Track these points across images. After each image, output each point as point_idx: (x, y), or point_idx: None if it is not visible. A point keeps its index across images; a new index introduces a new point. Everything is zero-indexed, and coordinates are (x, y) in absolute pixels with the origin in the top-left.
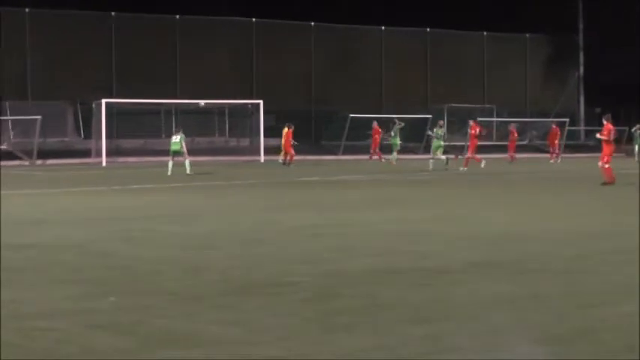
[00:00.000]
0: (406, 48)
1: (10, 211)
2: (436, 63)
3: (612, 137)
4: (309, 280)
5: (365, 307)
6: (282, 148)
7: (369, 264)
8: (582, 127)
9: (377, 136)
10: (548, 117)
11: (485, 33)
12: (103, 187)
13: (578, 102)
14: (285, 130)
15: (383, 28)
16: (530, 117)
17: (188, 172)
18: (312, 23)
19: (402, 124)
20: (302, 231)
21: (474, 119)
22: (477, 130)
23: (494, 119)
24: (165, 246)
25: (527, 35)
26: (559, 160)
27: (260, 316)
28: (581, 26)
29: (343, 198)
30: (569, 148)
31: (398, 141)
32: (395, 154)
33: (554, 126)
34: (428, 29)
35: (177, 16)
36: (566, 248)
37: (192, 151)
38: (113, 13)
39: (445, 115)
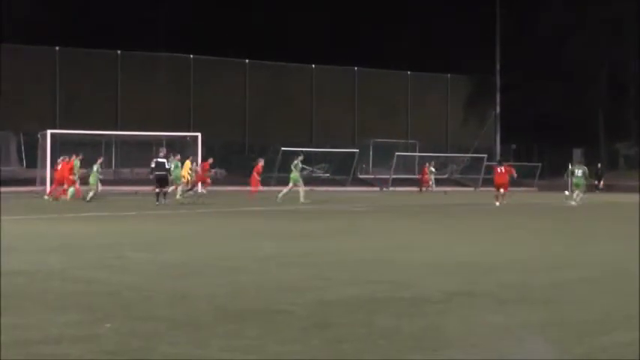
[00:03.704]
0: (335, 85)
1: None
2: (363, 100)
3: None
4: (299, 309)
5: (366, 335)
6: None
7: (350, 293)
8: (497, 163)
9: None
10: (468, 153)
11: (409, 72)
12: (54, 214)
13: (495, 139)
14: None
15: (313, 66)
16: (450, 152)
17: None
18: (247, 60)
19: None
20: (273, 260)
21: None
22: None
23: (417, 154)
24: (143, 273)
25: (449, 75)
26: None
27: (267, 342)
28: (498, 68)
29: (298, 227)
30: (487, 182)
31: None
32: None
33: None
34: (356, 68)
35: (119, 52)
36: (536, 278)
37: (132, 181)
38: (58, 48)
39: (370, 149)
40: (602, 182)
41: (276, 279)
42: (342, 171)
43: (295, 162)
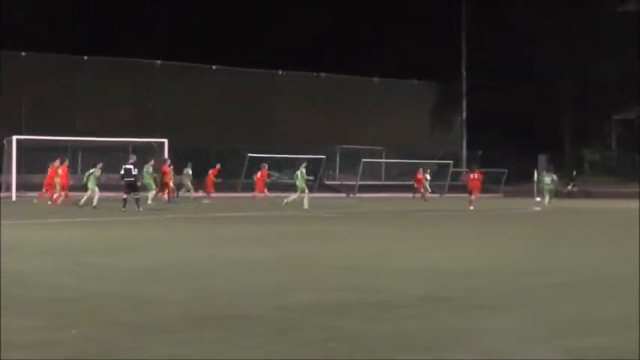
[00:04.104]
0: (302, 91)
1: None
2: (329, 106)
3: None
4: (264, 314)
5: (331, 340)
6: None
7: (319, 298)
8: (464, 169)
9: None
10: (434, 159)
11: (375, 78)
12: (21, 220)
13: (461, 145)
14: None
15: (280, 72)
16: (418, 159)
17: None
18: (214, 67)
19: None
20: (243, 265)
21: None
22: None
23: (383, 160)
24: (108, 279)
25: (415, 81)
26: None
27: (224, 348)
28: (464, 74)
29: (258, 233)
30: (454, 189)
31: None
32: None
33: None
34: (323, 74)
35: (85, 57)
36: (504, 284)
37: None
38: (23, 53)
39: (337, 155)
40: (571, 186)
41: (246, 284)
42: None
43: (302, 169)
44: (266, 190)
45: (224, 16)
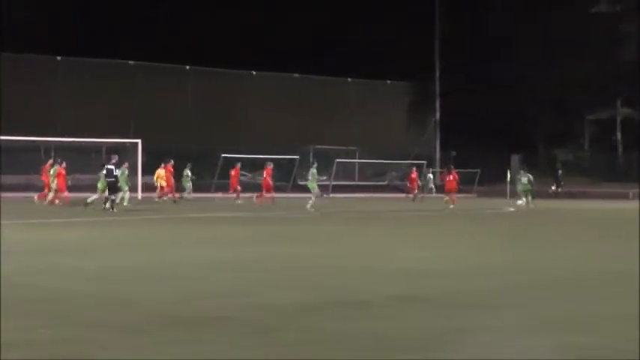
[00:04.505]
0: (276, 92)
1: None
2: (304, 107)
3: None
4: (243, 314)
5: (319, 340)
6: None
7: (296, 298)
8: (438, 169)
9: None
10: (408, 159)
11: (349, 79)
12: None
13: (435, 146)
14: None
15: (254, 72)
16: (392, 159)
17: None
18: (188, 67)
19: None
20: (217, 266)
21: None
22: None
23: (357, 160)
24: (83, 279)
25: (389, 82)
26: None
27: (222, 348)
28: (437, 75)
29: (241, 234)
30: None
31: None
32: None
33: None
34: (296, 75)
35: (59, 58)
36: (478, 284)
37: (73, 188)
38: None
39: (311, 156)
40: (555, 186)
41: (219, 285)
42: (283, 177)
43: (312, 170)
44: (264, 191)
45: (198, 17)
